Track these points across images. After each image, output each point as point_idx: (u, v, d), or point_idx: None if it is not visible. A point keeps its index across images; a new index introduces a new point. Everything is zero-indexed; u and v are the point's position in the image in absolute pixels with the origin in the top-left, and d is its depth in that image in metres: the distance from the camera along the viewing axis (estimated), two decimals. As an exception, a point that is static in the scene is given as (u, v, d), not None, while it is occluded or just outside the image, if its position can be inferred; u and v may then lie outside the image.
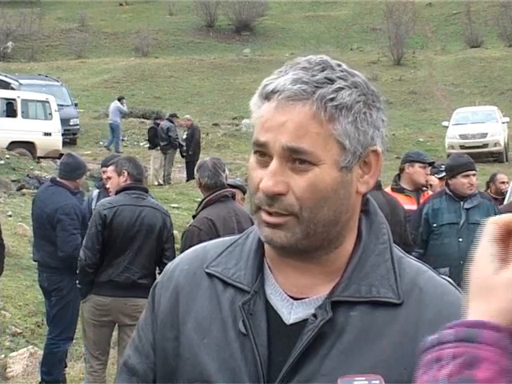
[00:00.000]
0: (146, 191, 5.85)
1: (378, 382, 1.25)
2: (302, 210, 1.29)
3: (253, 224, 5.02)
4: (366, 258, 1.36)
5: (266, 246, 1.40)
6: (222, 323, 1.37)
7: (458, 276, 5.83)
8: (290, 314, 1.35)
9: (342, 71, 1.32)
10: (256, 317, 1.34)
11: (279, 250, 1.34)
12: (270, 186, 1.28)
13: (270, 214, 1.31)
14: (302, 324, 1.33)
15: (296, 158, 1.28)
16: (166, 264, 5.28)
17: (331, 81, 1.30)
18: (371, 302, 1.32)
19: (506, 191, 9.28)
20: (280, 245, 1.31)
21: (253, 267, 1.39)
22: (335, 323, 1.31)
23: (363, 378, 1.25)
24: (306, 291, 1.36)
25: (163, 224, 5.70)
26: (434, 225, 6.14)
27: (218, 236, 4.73)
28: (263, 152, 1.31)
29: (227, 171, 5.38)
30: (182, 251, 4.91)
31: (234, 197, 5.23)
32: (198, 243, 5.05)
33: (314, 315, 1.32)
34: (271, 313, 1.35)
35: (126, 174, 5.79)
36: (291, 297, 1.36)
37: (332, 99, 1.28)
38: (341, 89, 1.29)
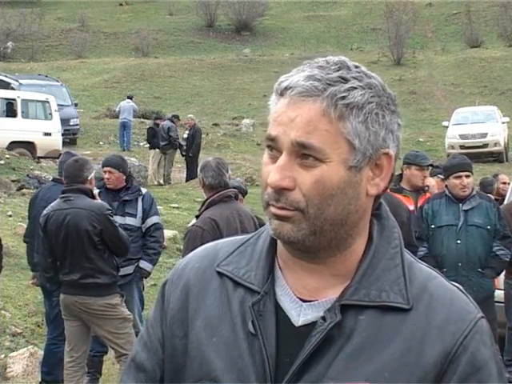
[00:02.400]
0: (80, 191, 5.74)
1: None
2: (308, 207, 1.29)
3: (255, 224, 5.04)
4: (376, 262, 1.35)
5: (278, 246, 1.40)
6: (231, 323, 1.37)
7: (455, 278, 5.82)
8: (299, 315, 1.35)
9: (358, 72, 1.33)
10: (265, 318, 1.34)
11: (288, 246, 1.35)
12: (276, 180, 1.29)
13: (277, 207, 1.31)
14: (310, 326, 1.33)
15: (304, 154, 1.29)
16: (116, 262, 5.31)
17: (345, 80, 1.30)
18: (380, 307, 1.32)
19: (505, 191, 9.28)
20: (287, 238, 1.31)
21: (264, 268, 1.39)
22: (344, 327, 1.31)
23: None
24: (315, 293, 1.36)
25: (91, 224, 5.64)
26: (432, 226, 6.12)
27: (221, 236, 4.72)
28: (274, 149, 1.32)
29: (230, 171, 5.37)
30: (184, 251, 4.89)
31: (237, 197, 5.21)
32: (200, 243, 5.07)
33: (323, 318, 1.32)
34: (280, 314, 1.35)
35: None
36: (301, 299, 1.36)
37: (343, 98, 1.29)
38: (353, 88, 1.30)
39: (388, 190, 5.62)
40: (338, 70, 1.31)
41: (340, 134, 1.29)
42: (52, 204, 5.86)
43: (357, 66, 1.34)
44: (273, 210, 1.32)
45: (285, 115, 1.31)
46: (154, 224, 6.81)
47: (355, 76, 1.31)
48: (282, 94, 1.33)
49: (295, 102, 1.30)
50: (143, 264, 6.74)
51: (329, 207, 1.29)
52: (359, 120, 1.30)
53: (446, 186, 6.26)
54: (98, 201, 5.93)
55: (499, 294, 6.92)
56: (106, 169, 6.76)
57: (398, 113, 1.36)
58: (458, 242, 6.03)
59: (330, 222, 1.30)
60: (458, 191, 6.08)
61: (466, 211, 6.11)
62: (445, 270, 5.89)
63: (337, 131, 1.29)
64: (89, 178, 5.85)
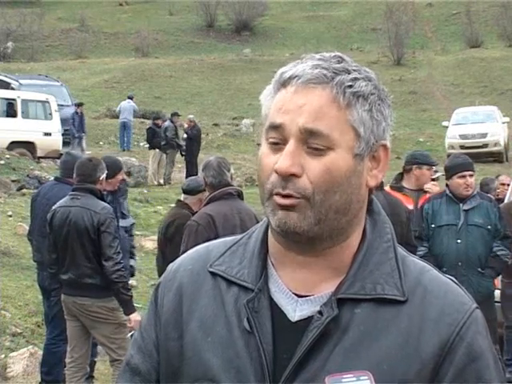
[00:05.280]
0: (88, 191, 5.74)
1: (366, 377, 1.25)
2: (314, 194, 1.30)
3: (258, 222, 5.02)
4: (370, 256, 1.36)
5: (270, 244, 1.40)
6: (226, 321, 1.37)
7: (456, 277, 5.82)
8: (295, 311, 1.35)
9: (356, 66, 1.36)
10: (261, 314, 1.34)
11: (290, 238, 1.34)
12: (287, 166, 1.29)
13: (283, 196, 1.31)
14: (306, 321, 1.33)
15: (312, 141, 1.30)
16: (105, 265, 5.31)
17: (348, 71, 1.33)
18: (376, 300, 1.33)
19: (504, 192, 9.29)
20: (293, 228, 1.31)
21: (257, 265, 1.39)
22: (340, 320, 1.32)
23: (351, 375, 1.25)
24: (310, 288, 1.36)
25: (90, 223, 5.63)
26: (432, 225, 6.12)
27: (217, 232, 4.77)
28: (278, 138, 1.32)
29: (232, 170, 5.37)
30: (182, 244, 4.94)
31: (240, 195, 5.20)
32: (195, 237, 5.10)
33: (320, 312, 1.32)
34: (276, 310, 1.35)
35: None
36: (296, 294, 1.36)
37: (350, 86, 1.31)
38: (357, 79, 1.33)
39: (389, 189, 5.60)
40: (340, 63, 1.34)
41: (347, 122, 1.31)
42: (60, 201, 5.89)
43: (352, 61, 1.37)
44: (278, 200, 1.31)
45: (291, 102, 1.31)
46: (133, 223, 6.97)
47: (355, 69, 1.35)
48: (284, 83, 1.33)
49: (303, 89, 1.31)
50: (133, 262, 6.84)
51: (334, 195, 1.30)
52: (365, 109, 1.32)
53: (447, 185, 6.26)
54: (104, 204, 5.91)
55: (499, 294, 6.92)
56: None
57: (391, 106, 1.39)
58: (459, 241, 6.03)
59: (334, 210, 1.31)
60: (462, 191, 6.09)
61: (466, 211, 6.11)
62: (444, 269, 5.89)
63: (344, 118, 1.31)
64: (100, 179, 5.87)
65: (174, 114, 21.02)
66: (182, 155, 20.21)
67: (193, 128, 20.27)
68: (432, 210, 6.15)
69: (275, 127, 1.32)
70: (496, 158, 25.00)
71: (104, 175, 5.95)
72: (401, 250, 1.41)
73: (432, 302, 1.34)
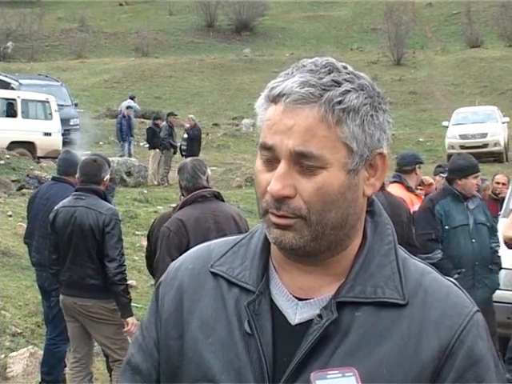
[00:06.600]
0: (93, 192, 5.70)
1: (351, 373, 1.24)
2: (310, 213, 1.29)
3: (237, 224, 5.01)
4: (371, 259, 1.36)
5: (273, 247, 1.40)
6: (227, 323, 1.37)
7: (473, 277, 5.85)
8: (295, 314, 1.35)
9: (348, 73, 1.32)
10: (261, 317, 1.34)
11: (287, 252, 1.34)
12: (278, 190, 1.28)
13: (278, 216, 1.30)
14: (307, 324, 1.33)
15: (303, 162, 1.28)
16: (108, 266, 5.27)
17: (338, 83, 1.29)
18: (376, 303, 1.33)
19: (501, 192, 9.30)
20: (289, 246, 1.31)
21: (258, 267, 1.39)
22: (340, 324, 1.31)
23: (337, 371, 1.25)
24: (311, 292, 1.36)
25: (95, 223, 5.59)
26: (446, 227, 6.05)
27: (188, 236, 4.75)
28: (270, 156, 1.31)
29: (209, 172, 5.28)
30: (159, 252, 4.92)
31: (217, 197, 5.13)
32: (167, 243, 5.11)
33: (320, 316, 1.32)
34: (276, 313, 1.35)
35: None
36: (296, 297, 1.36)
37: (340, 102, 1.28)
38: (348, 91, 1.29)
39: (399, 188, 5.59)
40: (330, 73, 1.30)
41: (338, 139, 1.29)
42: (63, 201, 5.85)
43: (345, 67, 1.33)
44: (273, 219, 1.31)
45: (281, 123, 1.29)
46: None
47: (346, 78, 1.31)
48: (274, 100, 1.31)
49: (291, 110, 1.28)
50: None
51: (330, 212, 1.30)
52: (356, 123, 1.29)
53: (454, 184, 6.15)
54: (110, 205, 5.88)
55: (499, 294, 6.92)
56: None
57: (388, 110, 1.36)
58: (473, 241, 6.02)
59: (330, 227, 1.31)
60: (473, 190, 6.15)
61: (472, 210, 6.13)
62: (463, 270, 5.85)
63: (335, 136, 1.28)
64: (104, 179, 5.82)
65: (170, 114, 21.01)
66: (183, 155, 20.20)
67: (193, 128, 20.27)
68: (444, 210, 6.09)
69: (267, 148, 1.31)
70: (496, 157, 24.97)
71: (108, 176, 5.90)
72: (402, 252, 1.40)
73: (433, 304, 1.33)
